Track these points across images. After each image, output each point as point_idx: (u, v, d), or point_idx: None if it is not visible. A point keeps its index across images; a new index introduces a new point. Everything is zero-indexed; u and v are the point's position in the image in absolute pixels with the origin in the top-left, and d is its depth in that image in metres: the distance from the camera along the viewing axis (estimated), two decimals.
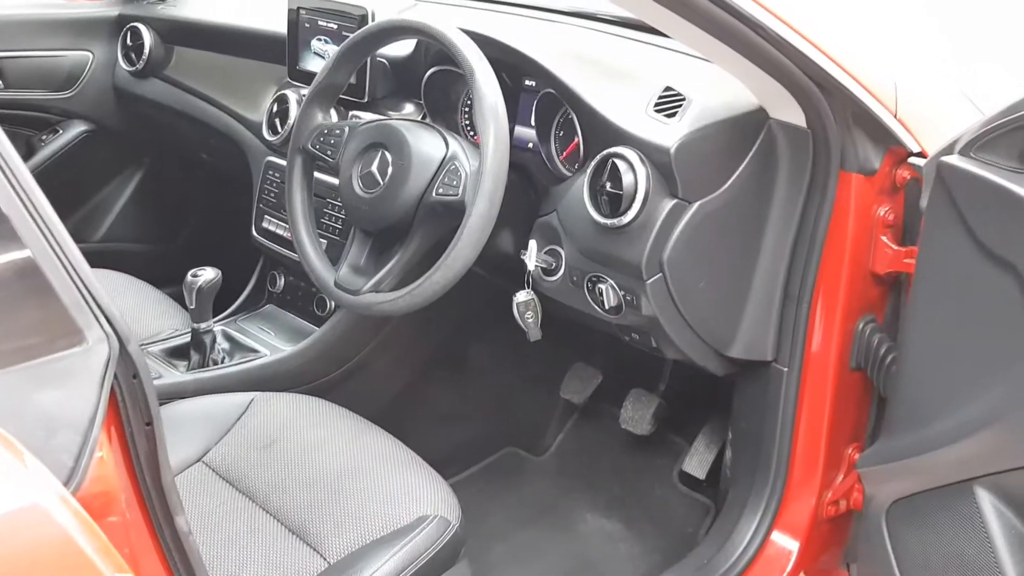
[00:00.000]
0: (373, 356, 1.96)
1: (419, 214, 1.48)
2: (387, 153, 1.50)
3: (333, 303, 1.92)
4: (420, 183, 1.46)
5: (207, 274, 1.82)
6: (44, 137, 2.43)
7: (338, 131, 1.60)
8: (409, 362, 2.04)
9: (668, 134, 1.42)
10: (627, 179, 1.41)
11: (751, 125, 1.47)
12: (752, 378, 1.66)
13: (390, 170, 1.49)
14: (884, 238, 1.52)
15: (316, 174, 1.72)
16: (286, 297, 2.09)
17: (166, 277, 2.66)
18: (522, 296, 1.58)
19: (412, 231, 1.50)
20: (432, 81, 1.79)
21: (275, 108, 2.03)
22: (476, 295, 1.77)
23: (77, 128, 2.45)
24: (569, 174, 1.63)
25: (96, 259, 2.35)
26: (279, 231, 1.99)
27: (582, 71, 1.58)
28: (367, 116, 1.79)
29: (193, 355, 1.87)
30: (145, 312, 2.05)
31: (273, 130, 2.03)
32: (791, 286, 1.55)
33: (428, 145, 1.48)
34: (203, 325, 1.85)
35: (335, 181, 1.67)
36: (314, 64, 1.94)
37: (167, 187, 2.67)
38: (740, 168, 1.46)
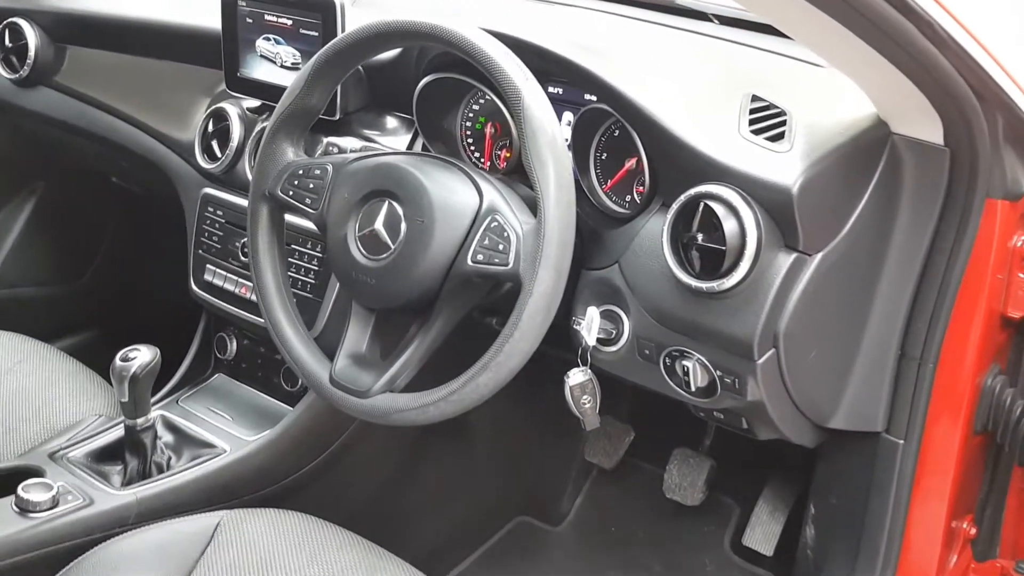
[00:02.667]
0: (358, 436, 1.56)
1: (447, 287, 1.09)
2: (396, 205, 1.11)
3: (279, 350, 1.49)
4: (448, 247, 1.07)
5: (142, 356, 1.39)
6: None
7: (318, 170, 1.19)
8: (401, 436, 1.65)
9: (782, 167, 1.07)
10: (729, 228, 1.05)
11: (873, 145, 1.13)
12: (850, 449, 1.34)
13: (404, 229, 1.10)
14: (1022, 274, 1.21)
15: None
16: (240, 365, 1.66)
17: (71, 324, 2.23)
18: (578, 377, 1.21)
19: (436, 309, 1.11)
20: (426, 92, 1.38)
21: (210, 126, 1.59)
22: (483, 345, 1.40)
23: None
24: (622, 210, 1.26)
25: None
26: (227, 286, 1.57)
27: (635, 74, 1.20)
28: (345, 142, 1.37)
29: (129, 460, 1.44)
30: (53, 390, 1.61)
31: (210, 155, 1.59)
32: (910, 342, 1.23)
33: (454, 193, 1.09)
34: (140, 420, 1.42)
35: (305, 224, 1.27)
36: (262, 70, 1.51)
37: (68, 217, 2.19)
38: (862, 202, 1.13)
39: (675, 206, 1.10)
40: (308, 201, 1.19)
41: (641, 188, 1.25)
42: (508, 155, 1.39)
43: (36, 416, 1.56)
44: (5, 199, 2.12)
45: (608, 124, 1.26)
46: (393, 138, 1.46)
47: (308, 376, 1.18)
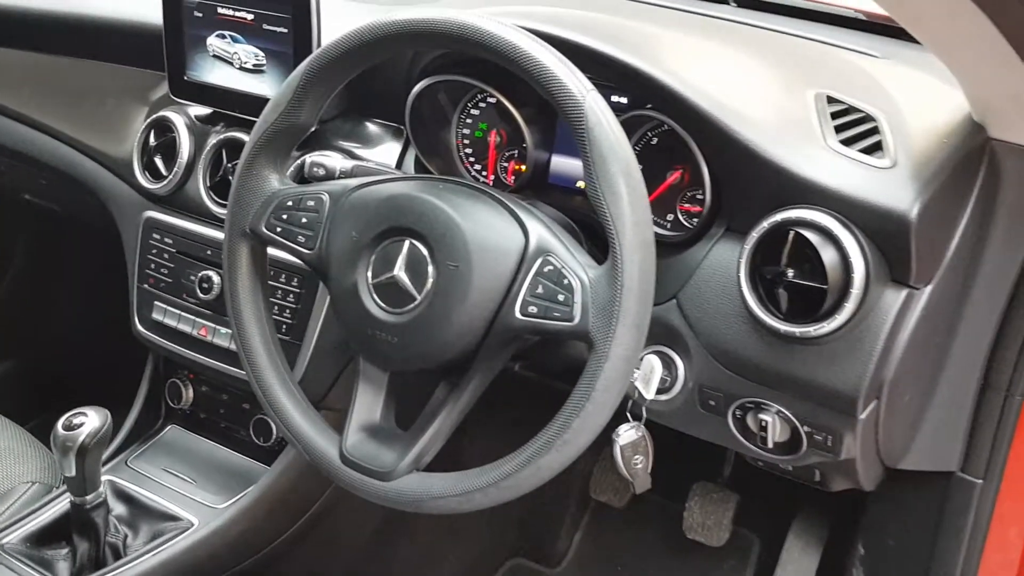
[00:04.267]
0: (341, 494, 1.34)
1: (488, 344, 0.89)
2: (419, 246, 0.90)
3: (271, 420, 1.27)
4: (490, 297, 0.87)
5: (91, 421, 1.15)
6: None
7: (311, 201, 0.98)
8: None
9: (890, 187, 0.90)
10: (829, 261, 0.89)
11: (972, 155, 0.98)
12: (913, 488, 1.20)
13: (432, 275, 0.89)
14: None
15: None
16: (198, 416, 1.43)
17: None
18: (629, 435, 1.02)
19: (471, 369, 0.91)
20: (418, 98, 1.17)
21: (151, 138, 1.35)
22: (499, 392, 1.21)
23: None
24: (669, 232, 1.08)
25: None
26: (182, 326, 1.33)
27: (691, 72, 1.02)
28: (329, 160, 1.15)
29: (78, 544, 1.20)
30: None
31: (152, 172, 1.35)
32: (995, 372, 1.09)
33: (492, 230, 0.89)
34: (91, 497, 1.18)
35: (279, 254, 1.06)
36: (213, 73, 1.27)
37: None
38: (963, 223, 0.97)
39: (755, 234, 0.92)
40: (301, 239, 0.98)
41: (688, 206, 1.07)
42: (519, 168, 1.19)
43: None
44: None
45: (644, 130, 1.08)
46: (377, 150, 1.25)
47: (313, 454, 0.97)
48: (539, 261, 0.87)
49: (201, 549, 1.23)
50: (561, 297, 0.85)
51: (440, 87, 1.17)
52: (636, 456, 1.03)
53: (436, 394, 0.95)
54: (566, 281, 0.85)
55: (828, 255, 0.88)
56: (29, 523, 1.23)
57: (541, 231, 0.89)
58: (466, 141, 1.22)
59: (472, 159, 1.23)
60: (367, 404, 0.97)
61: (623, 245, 0.81)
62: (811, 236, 0.89)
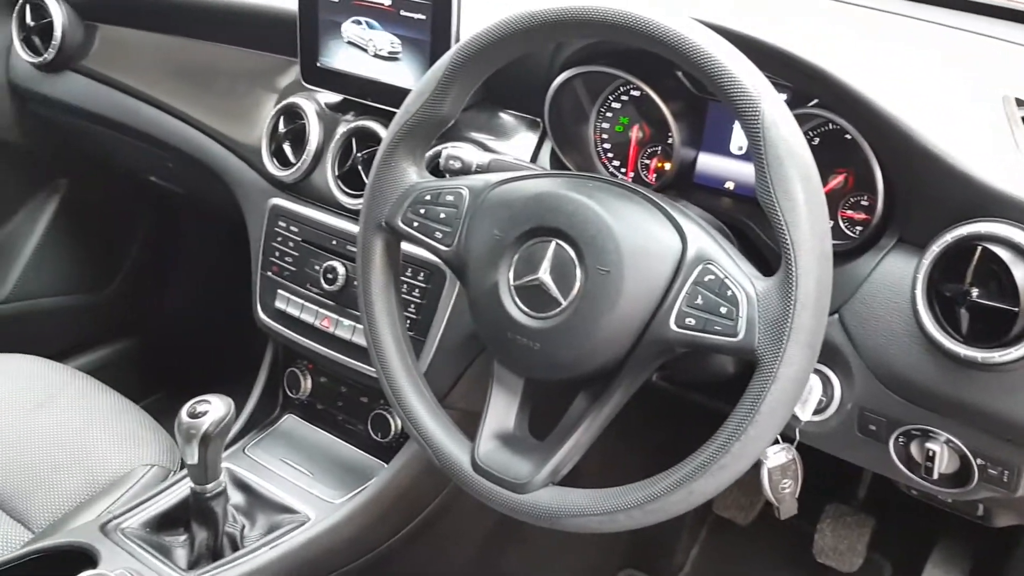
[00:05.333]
0: (457, 495, 1.31)
1: (636, 355, 0.84)
2: (567, 248, 0.85)
3: (400, 423, 1.24)
4: (643, 306, 0.82)
5: (215, 410, 1.13)
6: None
7: (450, 196, 0.93)
8: None
9: None
10: (1021, 279, 0.80)
11: None
12: None
13: (579, 279, 0.84)
14: None
15: None
16: (315, 407, 1.41)
17: (91, 339, 1.97)
18: (779, 457, 0.96)
19: (616, 381, 0.86)
20: (559, 90, 1.12)
21: (280, 125, 1.33)
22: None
23: None
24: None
25: None
26: (305, 316, 1.31)
27: (865, 67, 0.93)
28: (465, 152, 1.11)
29: (197, 532, 1.19)
30: (92, 432, 1.36)
31: (281, 159, 1.33)
32: None
33: (647, 234, 0.84)
34: (211, 486, 1.17)
35: (406, 247, 1.02)
36: (347, 59, 1.24)
37: (94, 219, 1.93)
38: None
39: (935, 248, 0.84)
40: (438, 235, 0.93)
41: (852, 213, 0.99)
42: (661, 166, 1.13)
43: (76, 464, 1.33)
44: (25, 198, 1.85)
45: (805, 130, 1.00)
46: (511, 142, 1.20)
47: (444, 459, 0.93)
48: (699, 269, 0.81)
49: (317, 545, 1.21)
50: (723, 310, 0.78)
51: (580, 78, 1.12)
52: (785, 480, 0.97)
53: (575, 404, 0.90)
54: (729, 292, 0.78)
55: (1021, 274, 0.80)
56: (148, 508, 1.23)
57: (700, 236, 0.83)
58: (604, 136, 1.16)
59: (611, 154, 1.17)
60: (501, 410, 0.92)
61: (799, 256, 0.75)
62: (1001, 252, 0.81)
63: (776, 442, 0.96)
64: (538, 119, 1.18)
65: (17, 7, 1.63)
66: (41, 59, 1.62)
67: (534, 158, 1.18)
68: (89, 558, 1.13)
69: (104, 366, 1.97)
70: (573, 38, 1.06)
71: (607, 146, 1.17)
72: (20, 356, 1.50)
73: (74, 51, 1.62)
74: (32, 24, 1.62)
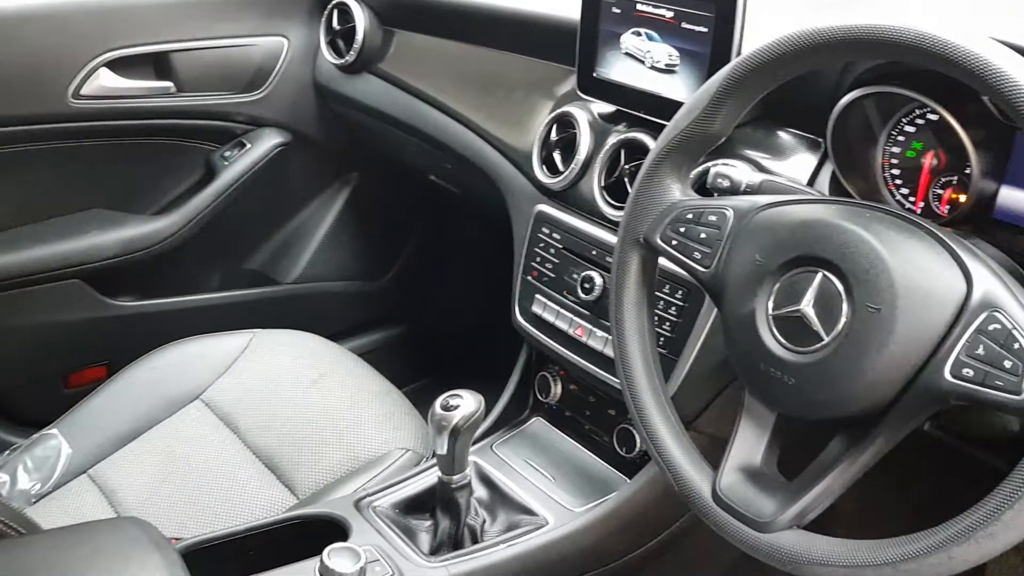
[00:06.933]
0: (699, 520, 1.27)
1: (903, 403, 0.77)
2: (834, 280, 0.80)
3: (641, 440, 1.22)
4: (915, 351, 0.75)
5: (466, 405, 1.17)
6: (227, 153, 1.85)
7: (713, 216, 0.91)
8: None
9: None
10: None
11: None
12: None
13: (845, 315, 0.78)
14: None
15: None
16: (563, 413, 1.42)
17: (371, 319, 2.11)
18: None
19: (879, 428, 0.79)
20: (848, 110, 1.06)
21: (553, 133, 1.35)
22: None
23: (270, 140, 1.85)
24: None
25: (284, 308, 1.84)
26: (559, 323, 1.32)
27: None
28: (736, 172, 1.07)
29: (441, 519, 1.24)
30: (358, 412, 1.45)
31: (551, 168, 1.36)
32: None
33: (927, 273, 0.77)
34: (457, 477, 1.21)
35: (665, 263, 0.99)
36: (623, 71, 1.24)
37: (377, 211, 2.06)
38: None
39: None
40: (697, 255, 0.91)
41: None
42: (956, 197, 1.03)
43: (339, 441, 1.41)
44: (320, 189, 2.01)
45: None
46: (788, 163, 1.15)
47: (683, 485, 0.90)
48: (983, 316, 0.73)
49: (554, 550, 1.22)
50: (1008, 364, 0.70)
51: (871, 99, 1.05)
52: None
53: (831, 447, 0.84)
54: (1016, 345, 0.70)
55: None
56: (399, 490, 1.29)
57: (989, 279, 0.75)
58: (894, 161, 1.08)
59: (899, 181, 1.08)
60: (748, 444, 0.88)
61: None
62: None
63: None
64: (820, 139, 1.12)
65: (326, 12, 1.77)
66: (343, 61, 1.75)
67: (811, 181, 1.12)
68: (342, 530, 1.20)
69: (373, 350, 2.10)
70: (857, 58, 1.00)
71: (896, 172, 1.09)
72: (303, 333, 1.63)
73: (372, 54, 1.74)
74: (338, 28, 1.76)
